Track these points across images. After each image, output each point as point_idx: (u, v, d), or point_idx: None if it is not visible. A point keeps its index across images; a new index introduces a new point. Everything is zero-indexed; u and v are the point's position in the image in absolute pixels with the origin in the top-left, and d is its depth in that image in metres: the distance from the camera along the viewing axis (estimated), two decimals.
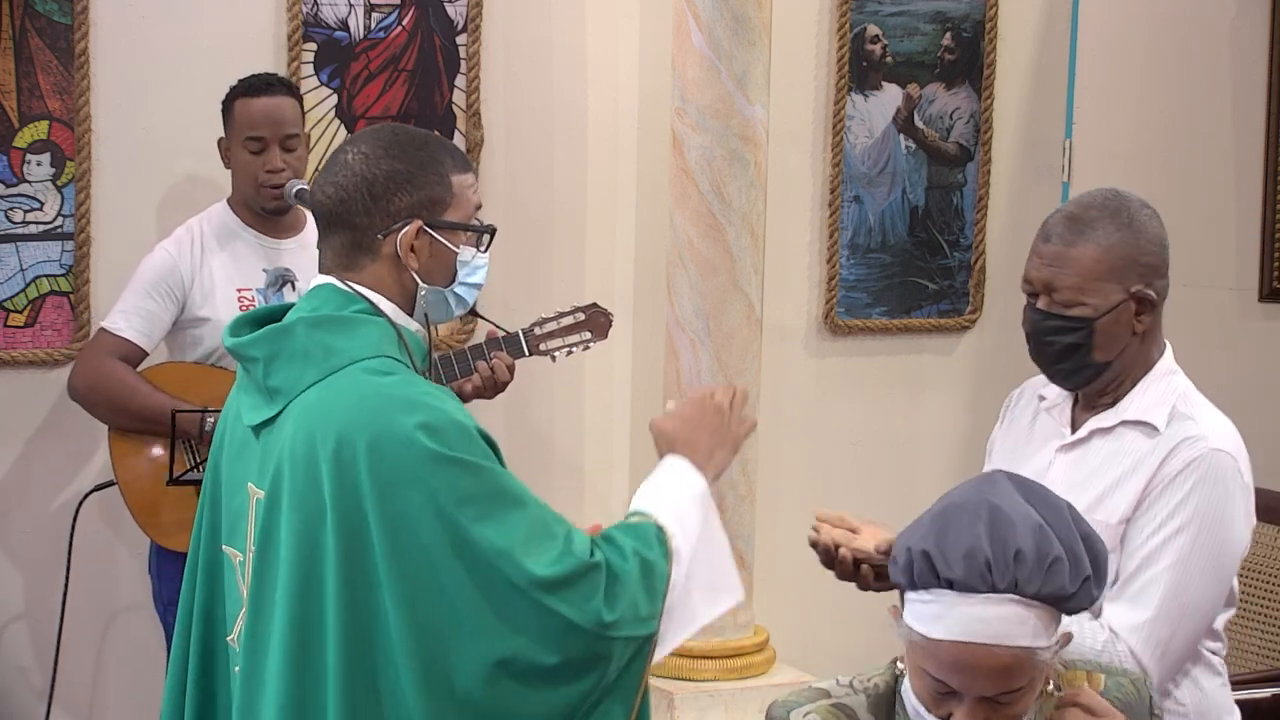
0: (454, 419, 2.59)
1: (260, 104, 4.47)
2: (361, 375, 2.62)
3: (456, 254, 2.74)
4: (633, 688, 2.67)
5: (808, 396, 5.76)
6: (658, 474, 2.85)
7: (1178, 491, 2.98)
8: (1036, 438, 3.21)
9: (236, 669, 2.72)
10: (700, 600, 2.77)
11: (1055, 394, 3.19)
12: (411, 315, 2.75)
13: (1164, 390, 3.08)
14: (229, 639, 2.77)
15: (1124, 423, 3.07)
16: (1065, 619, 2.88)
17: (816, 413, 5.77)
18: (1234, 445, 3.05)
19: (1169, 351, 3.15)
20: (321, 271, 2.75)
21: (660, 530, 2.72)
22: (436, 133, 2.88)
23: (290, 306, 2.78)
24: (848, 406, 5.79)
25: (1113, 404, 3.09)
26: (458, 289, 2.77)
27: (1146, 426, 3.05)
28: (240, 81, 4.52)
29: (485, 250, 2.80)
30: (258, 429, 2.71)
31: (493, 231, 2.79)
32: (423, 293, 2.72)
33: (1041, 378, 3.20)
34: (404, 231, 2.68)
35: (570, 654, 2.58)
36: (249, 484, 2.72)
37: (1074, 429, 3.15)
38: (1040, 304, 3.03)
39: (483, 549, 2.53)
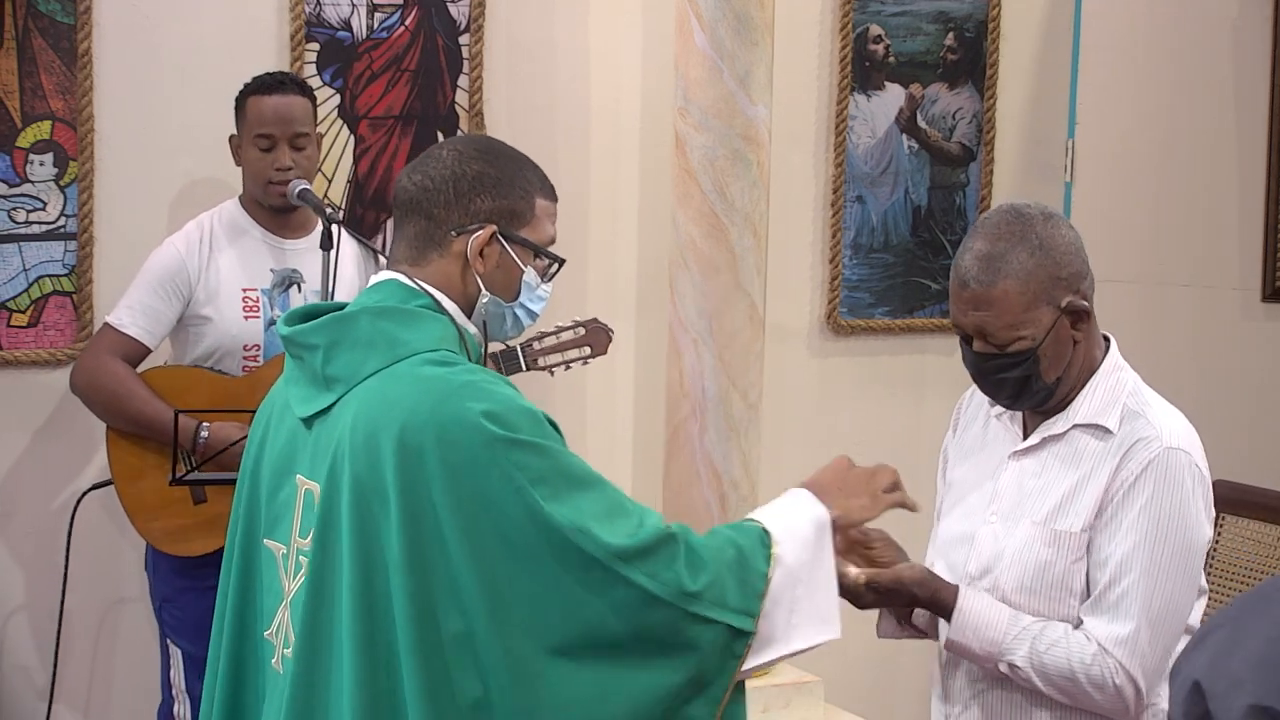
0: (519, 404, 2.60)
1: (272, 102, 4.48)
2: (424, 366, 2.62)
3: (523, 272, 2.77)
4: (718, 695, 2.61)
5: (810, 397, 5.76)
6: (777, 500, 2.83)
7: (1139, 497, 2.98)
8: (990, 444, 3.21)
9: (276, 662, 2.71)
10: (801, 621, 2.70)
11: None
12: (470, 319, 2.76)
13: (1112, 388, 3.07)
14: (266, 633, 2.76)
15: (1076, 426, 3.07)
16: (1053, 628, 2.89)
17: (819, 413, 5.78)
18: (1187, 440, 3.04)
19: (1114, 346, 3.14)
20: (389, 265, 2.76)
21: (765, 533, 2.69)
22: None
23: (337, 305, 2.78)
24: (850, 407, 5.80)
25: (1062, 408, 3.08)
26: (517, 308, 2.78)
27: (1099, 429, 3.05)
28: (254, 79, 4.54)
29: (548, 280, 2.83)
30: (310, 420, 2.69)
31: (562, 262, 2.83)
32: (484, 300, 2.74)
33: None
34: (477, 234, 2.72)
35: (653, 628, 2.55)
36: (298, 476, 2.70)
37: (1025, 434, 3.14)
38: (977, 347, 3.00)
39: (559, 525, 2.51)
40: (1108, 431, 3.03)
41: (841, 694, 5.44)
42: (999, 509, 3.10)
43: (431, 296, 2.71)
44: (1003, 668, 3.00)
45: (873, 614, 3.34)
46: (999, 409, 3.17)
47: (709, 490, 5.14)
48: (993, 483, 3.12)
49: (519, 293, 2.78)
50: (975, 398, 3.27)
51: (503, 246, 2.74)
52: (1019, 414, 3.14)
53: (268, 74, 4.56)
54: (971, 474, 3.20)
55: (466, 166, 2.74)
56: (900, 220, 5.80)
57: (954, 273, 2.98)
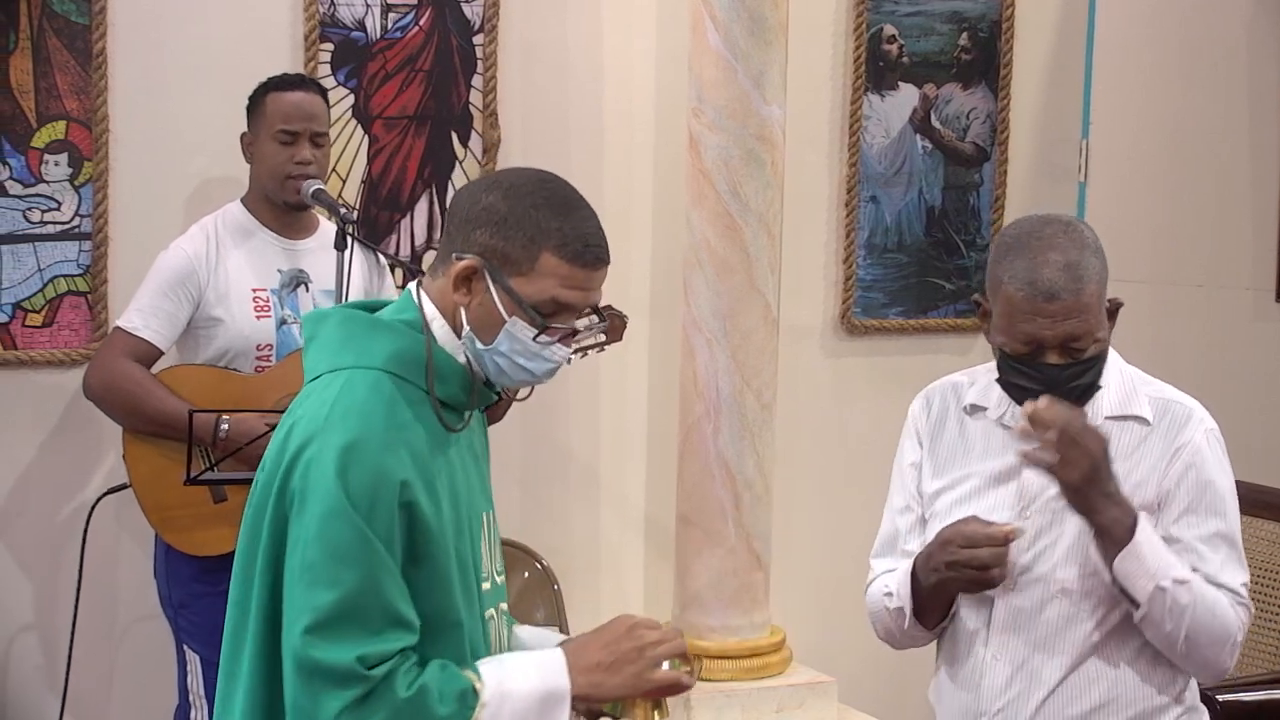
0: (376, 460, 2.54)
1: (294, 97, 4.49)
2: (347, 383, 2.61)
3: (505, 321, 2.63)
4: None
5: (824, 396, 5.76)
6: (530, 655, 2.69)
7: (1205, 477, 3.08)
8: (978, 445, 3.19)
9: None
10: None
11: (998, 400, 3.17)
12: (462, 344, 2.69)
13: (1125, 380, 3.13)
14: None
15: (1109, 419, 3.10)
16: (1192, 575, 2.98)
17: (833, 413, 5.77)
18: (1204, 410, 3.15)
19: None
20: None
21: (473, 693, 2.56)
22: (591, 213, 2.70)
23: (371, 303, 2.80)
24: (864, 406, 5.79)
25: (1079, 401, 3.08)
26: (497, 356, 2.66)
27: (1134, 420, 3.10)
28: (271, 78, 4.54)
29: (561, 343, 2.69)
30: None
31: (543, 327, 2.64)
32: (466, 331, 2.65)
33: (942, 386, 3.26)
34: (462, 263, 2.62)
35: None
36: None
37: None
38: (1052, 358, 3.01)
39: (288, 589, 2.54)
40: (1144, 422, 3.09)
41: (855, 694, 5.45)
42: (1037, 505, 3.09)
43: (422, 311, 2.67)
44: (1165, 583, 2.99)
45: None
46: (996, 410, 3.16)
47: (723, 490, 5.14)
48: (1016, 480, 3.12)
49: (499, 339, 2.65)
50: (935, 406, 3.26)
51: (487, 285, 2.63)
52: (1017, 409, 3.12)
53: (285, 74, 4.58)
54: (975, 475, 3.17)
55: (488, 197, 2.64)
56: (914, 220, 5.80)
57: (1028, 289, 2.97)
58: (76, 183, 4.85)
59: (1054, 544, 3.08)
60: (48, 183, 4.83)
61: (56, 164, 4.84)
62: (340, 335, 2.67)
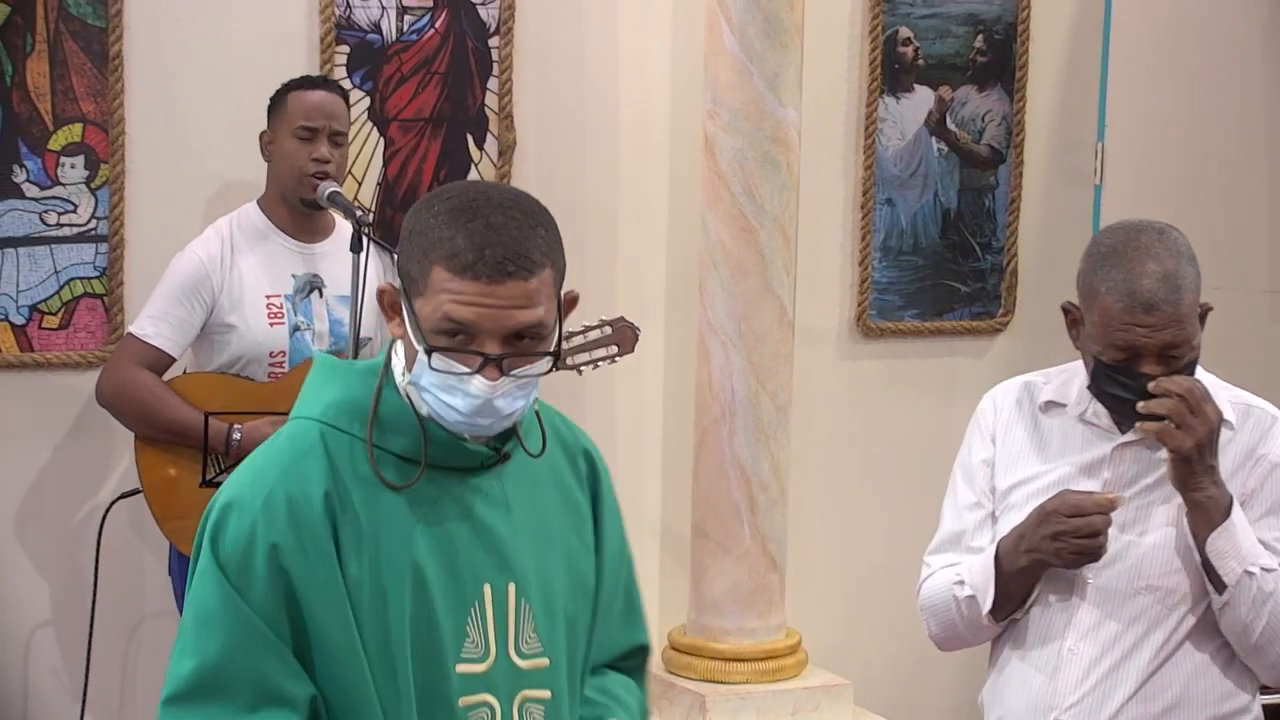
0: (249, 520, 2.33)
1: (316, 96, 4.51)
2: (275, 436, 2.46)
3: (418, 350, 2.35)
4: None
5: (840, 399, 5.75)
6: None
7: None
8: (1055, 441, 3.20)
9: None
10: None
11: (1078, 396, 3.18)
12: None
13: (1207, 384, 3.12)
14: None
15: None
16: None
17: (848, 415, 5.75)
18: None
19: None
20: None
21: None
22: (531, 216, 2.36)
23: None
24: (880, 409, 5.78)
25: None
26: (422, 392, 2.37)
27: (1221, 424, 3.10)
28: (294, 79, 4.56)
29: (441, 367, 2.33)
30: None
31: (432, 352, 2.32)
32: (401, 367, 2.42)
33: (1013, 385, 3.26)
34: (382, 286, 2.43)
35: None
36: None
37: (1121, 429, 3.14)
38: (1149, 366, 3.01)
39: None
40: (1229, 425, 3.11)
41: (871, 697, 5.44)
42: (1123, 498, 3.11)
43: (389, 352, 2.45)
44: (1253, 568, 3.01)
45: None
46: (1077, 407, 3.17)
47: (738, 492, 5.13)
48: (1101, 475, 3.13)
49: (415, 370, 2.37)
50: (1005, 404, 3.26)
51: (402, 309, 2.37)
52: (1101, 410, 3.13)
53: (308, 75, 4.60)
54: (1053, 470, 3.18)
55: (413, 212, 2.39)
56: (930, 223, 5.78)
57: (1127, 300, 2.98)
58: (93, 185, 4.85)
59: (1140, 538, 3.10)
60: (64, 185, 4.83)
61: (73, 166, 4.84)
62: (306, 384, 2.50)
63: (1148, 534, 3.10)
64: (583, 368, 4.50)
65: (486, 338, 2.31)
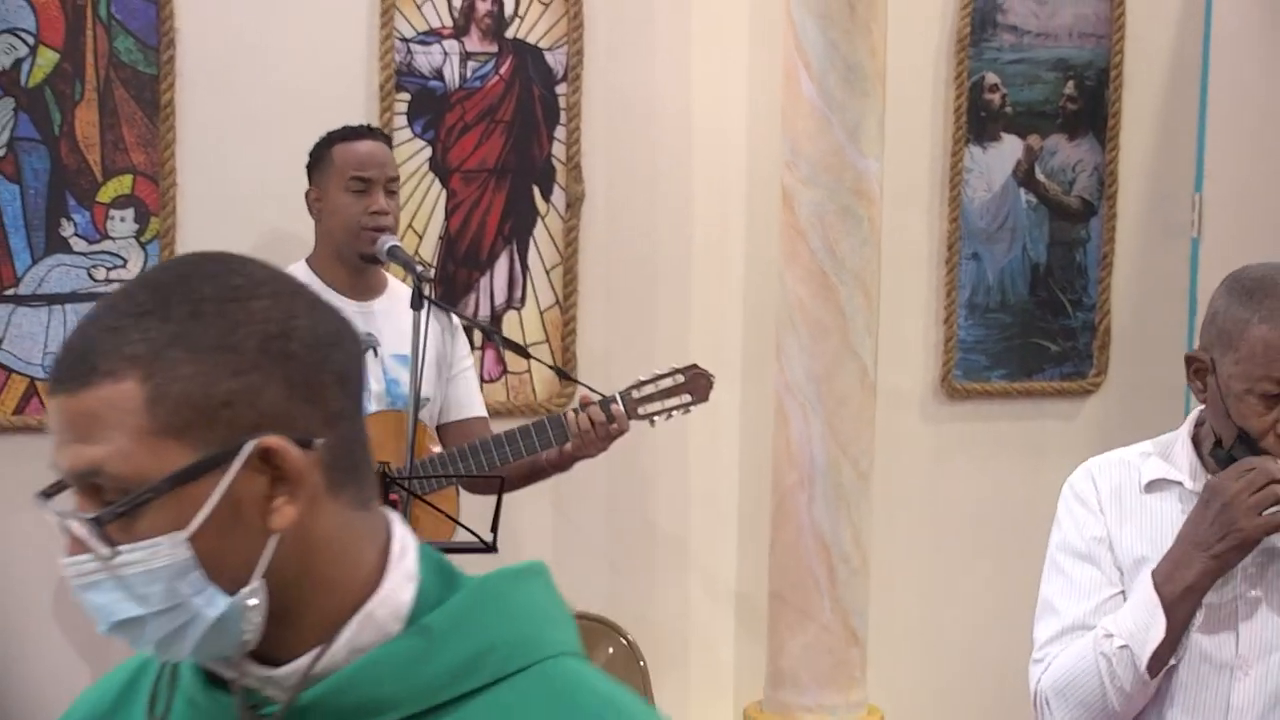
0: None
1: (364, 146, 4.41)
2: None
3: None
4: None
5: (924, 464, 5.69)
6: None
7: None
8: (1169, 521, 2.97)
9: None
10: None
11: (1192, 471, 2.97)
12: None
13: None
14: None
15: None
16: None
17: (933, 481, 5.68)
18: None
19: None
20: None
21: None
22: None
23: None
24: (966, 474, 5.70)
25: None
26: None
27: None
28: (333, 131, 4.46)
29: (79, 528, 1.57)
30: None
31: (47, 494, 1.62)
32: None
33: (1107, 461, 3.05)
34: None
35: None
36: None
37: None
38: None
39: None
40: None
41: None
42: (1260, 585, 2.93)
43: None
44: None
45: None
46: (1182, 480, 2.97)
47: (817, 563, 5.07)
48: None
49: None
50: (1104, 480, 3.04)
51: None
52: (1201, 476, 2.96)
53: (347, 125, 4.50)
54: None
55: None
56: (1018, 278, 5.69)
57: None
58: (143, 239, 4.80)
59: None
60: (113, 239, 4.78)
61: (122, 220, 4.78)
62: None
63: None
64: (655, 418, 4.39)
65: (83, 486, 1.58)
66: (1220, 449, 2.91)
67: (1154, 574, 2.87)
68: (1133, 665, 2.86)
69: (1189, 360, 2.94)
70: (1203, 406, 2.94)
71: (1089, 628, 2.95)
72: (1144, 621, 2.86)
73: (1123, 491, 3.01)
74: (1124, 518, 3.00)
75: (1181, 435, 2.99)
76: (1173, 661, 2.89)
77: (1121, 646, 2.87)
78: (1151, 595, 2.85)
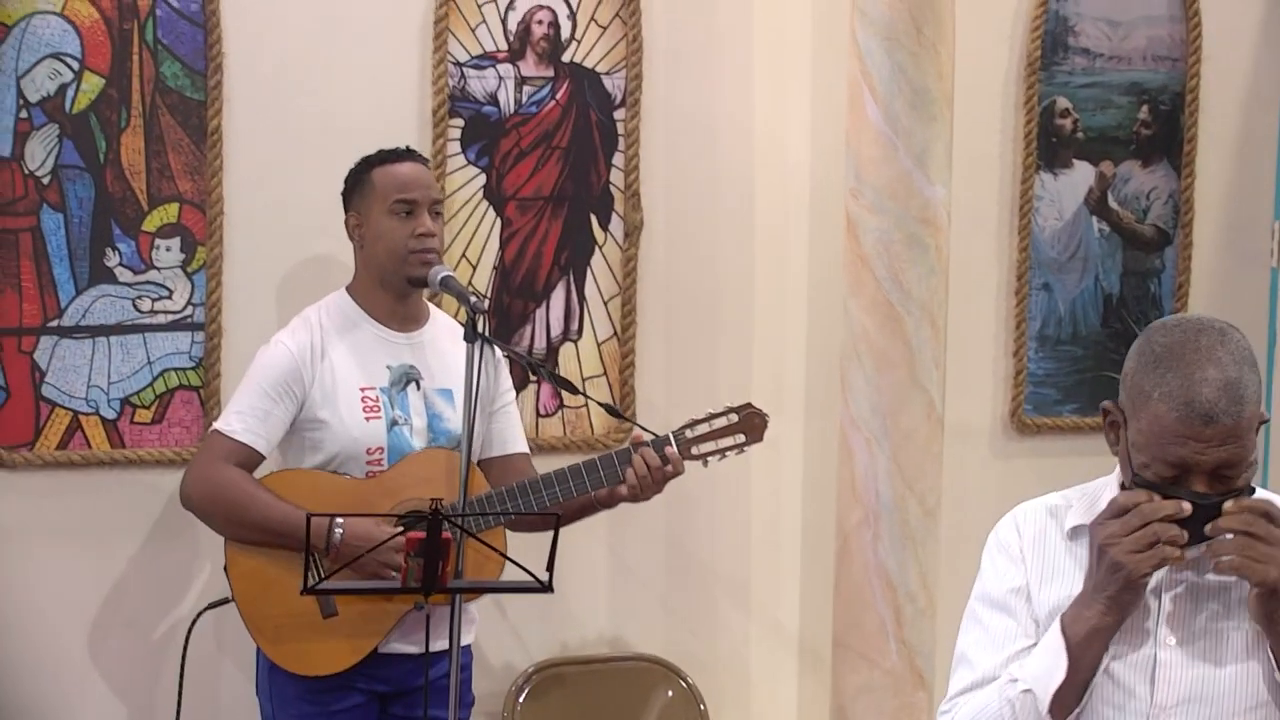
0: None
1: (406, 168, 4.35)
2: None
3: None
4: None
5: (992, 501, 5.48)
6: None
7: None
8: (1086, 568, 2.96)
9: None
10: None
11: None
12: None
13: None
14: None
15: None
16: None
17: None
18: None
19: None
20: None
21: None
22: None
23: None
24: None
25: None
26: None
27: None
28: (369, 155, 4.39)
29: None
30: None
31: None
32: None
33: (1032, 508, 3.11)
34: None
35: None
36: None
37: None
38: (1199, 485, 2.81)
39: None
40: None
41: None
42: (1179, 633, 2.91)
43: None
44: None
45: None
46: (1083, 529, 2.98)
47: (883, 604, 5.03)
48: (1146, 612, 2.92)
49: None
50: (1028, 529, 3.08)
51: None
52: None
53: (383, 149, 4.42)
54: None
55: None
56: (1090, 309, 5.64)
57: (1184, 409, 2.77)
58: (189, 269, 4.75)
59: (1217, 670, 2.90)
60: (159, 269, 4.73)
61: (168, 249, 4.73)
62: None
63: (1225, 665, 2.91)
64: (708, 458, 4.33)
65: None
66: None
67: (1062, 618, 2.91)
68: (1034, 710, 2.89)
69: (1104, 411, 2.97)
70: None
71: (991, 681, 3.01)
72: (1048, 665, 2.89)
73: (1045, 538, 3.06)
74: (1045, 565, 3.05)
75: (1111, 481, 3.00)
76: (1077, 709, 2.92)
77: (1025, 691, 2.90)
78: (1058, 639, 2.89)
